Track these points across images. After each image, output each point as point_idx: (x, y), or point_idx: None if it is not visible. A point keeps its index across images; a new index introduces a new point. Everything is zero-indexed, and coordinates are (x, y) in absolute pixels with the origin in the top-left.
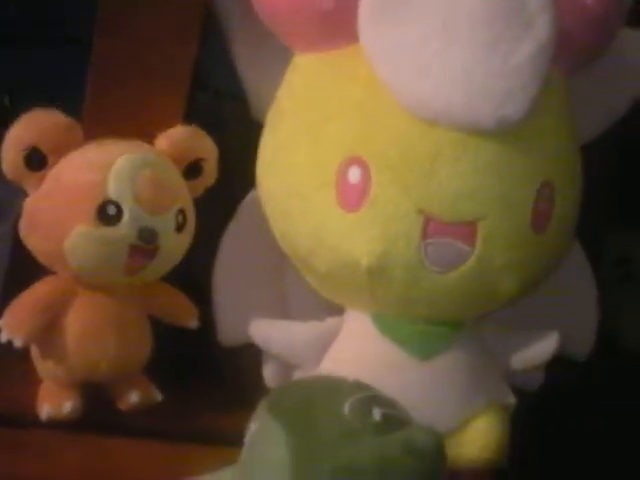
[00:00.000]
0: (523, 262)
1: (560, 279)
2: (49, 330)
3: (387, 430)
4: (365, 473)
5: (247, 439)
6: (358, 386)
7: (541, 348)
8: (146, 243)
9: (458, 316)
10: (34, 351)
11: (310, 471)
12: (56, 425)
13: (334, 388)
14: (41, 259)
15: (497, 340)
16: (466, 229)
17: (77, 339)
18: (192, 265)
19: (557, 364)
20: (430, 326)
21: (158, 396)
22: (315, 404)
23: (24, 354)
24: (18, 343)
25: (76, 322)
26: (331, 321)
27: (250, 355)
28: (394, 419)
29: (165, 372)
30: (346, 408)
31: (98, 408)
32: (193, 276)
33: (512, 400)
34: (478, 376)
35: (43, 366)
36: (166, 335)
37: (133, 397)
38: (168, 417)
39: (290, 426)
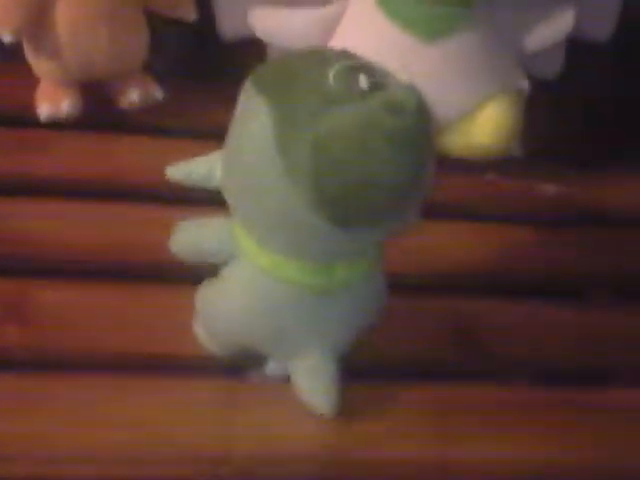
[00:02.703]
0: None
1: None
2: (39, 25)
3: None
4: (347, 138)
5: (234, 115)
6: (345, 55)
7: (556, 25)
8: None
9: None
10: (27, 49)
11: (293, 139)
12: (55, 125)
13: (319, 58)
14: None
15: (510, 19)
16: None
17: (67, 32)
18: None
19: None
20: (437, 6)
21: (159, 94)
22: (298, 73)
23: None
24: (7, 38)
25: (66, 14)
26: (334, 5)
27: (253, 52)
28: (381, 86)
29: (166, 71)
30: (331, 76)
31: (98, 107)
32: None
33: (525, 85)
34: (490, 59)
35: (37, 64)
36: (167, 32)
37: (133, 95)
38: (169, 114)
39: (273, 96)
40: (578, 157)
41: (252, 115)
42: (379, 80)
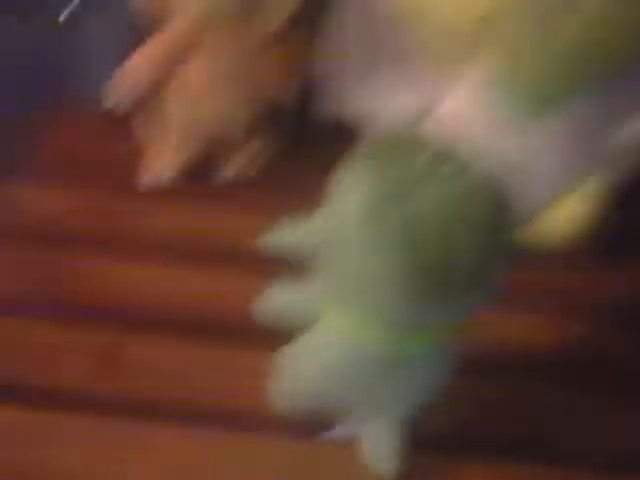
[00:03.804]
0: None
1: None
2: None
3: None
4: (430, 221)
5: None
6: (440, 140)
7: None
8: None
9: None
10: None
11: (386, 215)
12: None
13: (415, 142)
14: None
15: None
16: None
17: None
18: None
19: None
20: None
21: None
22: (396, 153)
23: None
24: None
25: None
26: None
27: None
28: (465, 173)
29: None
30: (420, 159)
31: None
32: None
33: (610, 175)
34: (583, 143)
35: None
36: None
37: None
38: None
39: (370, 175)
40: None
41: (350, 188)
42: (464, 167)
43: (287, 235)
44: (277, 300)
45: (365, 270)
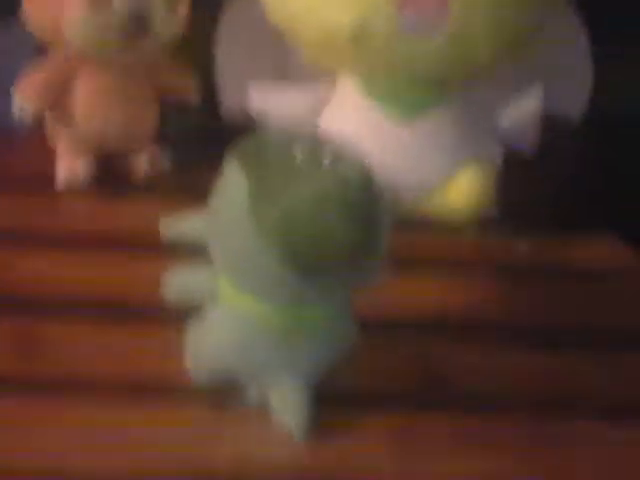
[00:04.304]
0: (501, 24)
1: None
2: (59, 100)
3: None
4: (307, 208)
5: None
6: (313, 135)
7: (525, 105)
8: (136, 29)
9: (441, 78)
10: (48, 120)
11: (264, 207)
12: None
13: (291, 137)
14: (42, 35)
15: (485, 97)
16: None
17: (84, 109)
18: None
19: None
20: (414, 87)
21: (166, 163)
22: (272, 150)
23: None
24: (29, 113)
25: (83, 91)
26: (321, 89)
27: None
28: (339, 164)
29: (174, 142)
30: (297, 153)
31: (109, 175)
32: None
33: (498, 157)
34: (465, 135)
35: (56, 134)
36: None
37: (143, 164)
38: (174, 182)
39: (249, 168)
40: (548, 219)
41: (231, 183)
42: (338, 158)
43: (184, 224)
44: (180, 281)
45: (247, 258)
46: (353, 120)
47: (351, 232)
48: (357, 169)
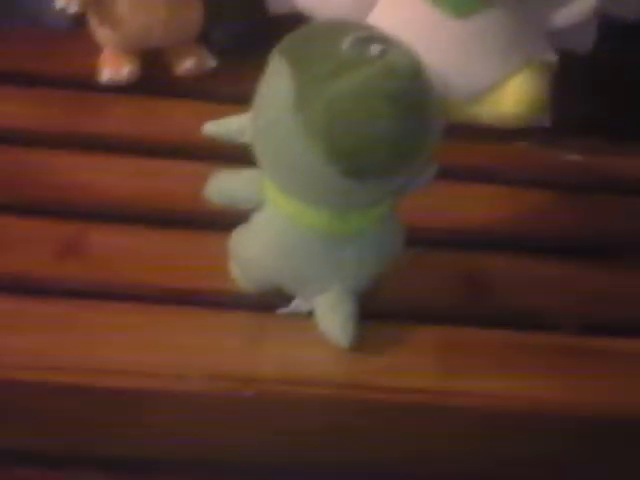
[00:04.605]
0: None
1: None
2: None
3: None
4: (354, 99)
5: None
6: (361, 27)
7: (580, 3)
8: None
9: None
10: (91, 20)
11: (310, 99)
12: (114, 88)
13: (338, 28)
14: None
15: None
16: None
17: (128, 3)
18: None
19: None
20: None
21: (212, 62)
22: (318, 41)
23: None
24: (73, 9)
25: None
26: None
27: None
28: (388, 54)
29: (221, 42)
30: (345, 44)
31: (155, 73)
32: None
33: (553, 58)
34: (516, 34)
35: (100, 33)
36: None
37: (188, 63)
38: (220, 81)
39: (294, 60)
40: (605, 129)
41: (276, 77)
42: (387, 49)
43: (229, 123)
44: (225, 185)
45: (292, 158)
46: (404, 15)
47: (398, 125)
48: (406, 59)
